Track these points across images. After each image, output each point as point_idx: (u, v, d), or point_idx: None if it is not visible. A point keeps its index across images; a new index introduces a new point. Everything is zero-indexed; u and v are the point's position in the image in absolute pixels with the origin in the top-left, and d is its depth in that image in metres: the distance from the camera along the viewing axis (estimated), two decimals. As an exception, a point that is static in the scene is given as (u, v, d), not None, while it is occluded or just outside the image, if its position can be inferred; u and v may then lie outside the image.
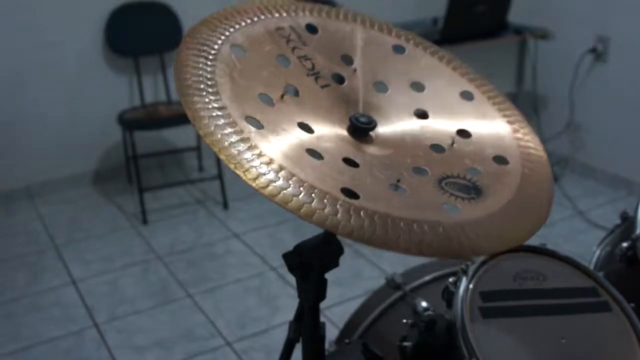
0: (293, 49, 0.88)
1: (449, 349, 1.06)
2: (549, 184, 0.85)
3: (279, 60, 0.86)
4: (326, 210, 0.68)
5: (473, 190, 0.79)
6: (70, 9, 3.13)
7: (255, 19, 0.89)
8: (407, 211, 0.72)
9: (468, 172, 0.82)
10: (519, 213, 0.79)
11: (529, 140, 0.91)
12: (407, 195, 0.75)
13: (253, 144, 0.72)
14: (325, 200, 0.69)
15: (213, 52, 0.81)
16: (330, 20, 0.95)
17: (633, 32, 2.98)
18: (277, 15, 0.91)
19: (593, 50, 3.14)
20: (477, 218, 0.75)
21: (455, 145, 0.86)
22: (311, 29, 0.92)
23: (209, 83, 0.77)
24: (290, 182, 0.69)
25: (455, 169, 0.82)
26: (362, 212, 0.69)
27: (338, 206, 0.69)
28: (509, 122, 0.92)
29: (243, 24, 0.87)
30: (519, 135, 0.91)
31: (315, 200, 0.68)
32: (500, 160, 0.85)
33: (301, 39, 0.90)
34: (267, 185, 0.68)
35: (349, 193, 0.71)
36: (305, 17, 0.93)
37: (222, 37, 0.84)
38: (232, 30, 0.85)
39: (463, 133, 0.88)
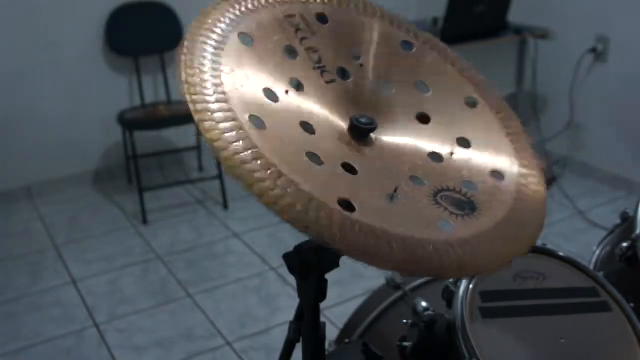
0: (302, 39, 0.85)
1: (449, 349, 1.06)
2: (543, 202, 0.83)
3: (286, 51, 0.84)
4: (321, 223, 0.67)
5: (467, 206, 0.78)
6: (70, 9, 3.13)
7: (264, 2, 0.86)
8: (401, 227, 0.70)
9: (464, 186, 0.80)
10: (509, 233, 0.77)
11: (527, 154, 0.88)
12: (402, 208, 0.74)
13: (253, 146, 0.70)
14: (321, 212, 0.67)
15: (221, 40, 0.78)
16: (342, 10, 0.92)
17: (633, 32, 2.98)
18: (287, 0, 0.88)
19: (593, 50, 3.14)
20: (467, 236, 0.74)
21: (454, 155, 0.85)
22: (322, 18, 0.89)
23: (214, 75, 0.74)
24: (289, 190, 0.68)
25: (451, 182, 0.80)
26: (356, 227, 0.68)
27: (333, 219, 0.67)
28: (508, 135, 0.90)
29: (251, 7, 0.84)
30: (518, 148, 0.88)
31: (311, 212, 0.67)
32: (497, 175, 0.84)
33: (310, 29, 0.87)
34: (265, 194, 0.67)
35: (346, 204, 0.70)
36: (316, 5, 0.90)
37: (231, 24, 0.80)
38: (241, 15, 0.82)
39: (463, 142, 0.87)
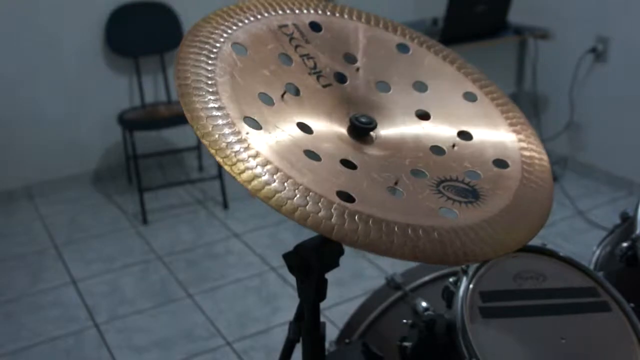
0: (296, 47, 0.87)
1: (449, 349, 1.06)
2: (549, 190, 0.83)
3: (281, 58, 0.85)
4: (320, 214, 0.67)
5: (471, 194, 0.78)
6: (70, 9, 3.13)
7: (259, 16, 0.88)
8: (402, 215, 0.71)
9: (467, 176, 0.81)
10: (515, 220, 0.77)
11: (531, 143, 0.89)
12: (403, 199, 0.74)
13: (250, 145, 0.71)
14: (319, 204, 0.68)
15: (214, 50, 0.80)
16: (335, 18, 0.94)
17: (633, 32, 2.98)
18: (280, 12, 0.90)
19: (593, 50, 3.14)
20: (472, 223, 0.74)
21: (456, 147, 0.85)
22: (315, 27, 0.91)
23: (209, 82, 0.76)
24: (286, 184, 0.68)
25: (454, 172, 0.81)
26: (356, 216, 0.68)
27: (332, 210, 0.68)
28: (511, 125, 0.90)
29: (246, 21, 0.86)
30: (521, 137, 0.89)
31: (309, 204, 0.68)
32: (500, 163, 0.84)
33: (304, 37, 0.89)
34: (262, 188, 0.68)
35: (345, 196, 0.70)
36: (309, 15, 0.92)
37: (224, 35, 0.82)
38: (234, 28, 0.84)
39: (464, 135, 0.87)
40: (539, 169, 0.86)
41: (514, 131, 0.90)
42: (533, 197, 0.81)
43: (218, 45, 0.81)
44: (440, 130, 0.87)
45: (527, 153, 0.87)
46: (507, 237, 0.75)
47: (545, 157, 0.88)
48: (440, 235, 0.71)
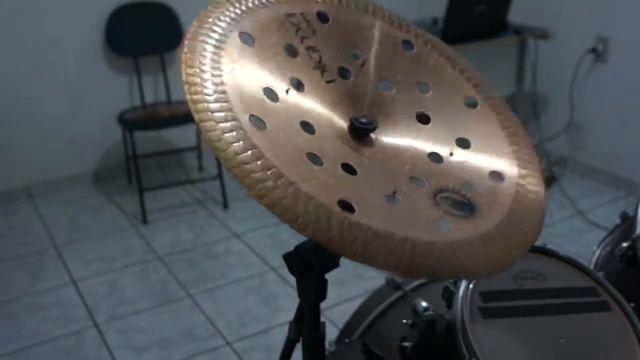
0: (302, 38, 0.85)
1: (449, 349, 1.06)
2: (541, 206, 0.83)
3: (286, 50, 0.83)
4: (321, 224, 0.66)
5: (467, 208, 0.77)
6: (70, 9, 3.13)
7: (266, 2, 0.85)
8: (400, 227, 0.70)
9: (463, 187, 0.80)
10: (509, 235, 0.77)
11: (527, 155, 0.88)
12: (402, 209, 0.74)
13: (254, 146, 0.69)
14: (320, 213, 0.67)
15: (221, 39, 0.78)
16: (343, 9, 0.92)
17: (633, 32, 2.98)
18: None
19: (593, 50, 3.14)
20: (467, 238, 0.73)
21: (453, 156, 0.84)
22: (322, 17, 0.89)
23: (215, 74, 0.74)
24: (289, 191, 0.67)
25: (451, 182, 0.80)
26: (356, 228, 0.68)
27: (333, 220, 0.67)
28: (509, 135, 0.89)
29: (251, 5, 0.84)
30: (518, 149, 0.88)
31: (311, 213, 0.67)
32: (496, 175, 0.84)
33: (311, 28, 0.87)
34: (266, 195, 0.66)
35: (346, 205, 0.70)
36: (317, 4, 0.90)
37: (232, 24, 0.80)
38: (242, 15, 0.82)
39: (462, 142, 0.86)
40: (533, 183, 0.85)
41: (511, 142, 0.89)
42: (526, 212, 0.80)
43: (225, 34, 0.78)
44: (439, 136, 0.86)
45: (522, 166, 0.86)
46: (500, 252, 0.75)
47: (540, 170, 0.88)
48: (438, 250, 0.70)
